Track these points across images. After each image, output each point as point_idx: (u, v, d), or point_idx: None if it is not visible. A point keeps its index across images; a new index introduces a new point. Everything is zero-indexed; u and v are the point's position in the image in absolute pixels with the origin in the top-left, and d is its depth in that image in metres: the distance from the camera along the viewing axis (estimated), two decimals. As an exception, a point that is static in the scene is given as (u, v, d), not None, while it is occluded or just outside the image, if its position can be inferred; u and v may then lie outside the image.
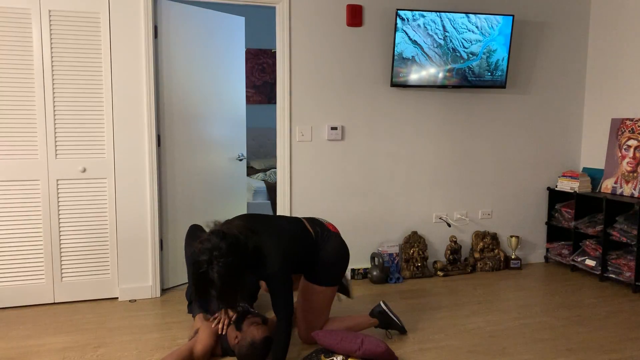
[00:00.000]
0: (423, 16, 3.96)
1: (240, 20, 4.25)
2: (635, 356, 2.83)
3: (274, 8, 3.95)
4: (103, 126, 3.55)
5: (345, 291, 3.26)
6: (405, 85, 4.05)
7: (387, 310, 3.03)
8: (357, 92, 4.08)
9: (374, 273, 4.05)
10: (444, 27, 4.02)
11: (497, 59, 4.19)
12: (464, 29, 4.06)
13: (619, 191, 4.21)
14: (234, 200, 4.41)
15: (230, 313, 2.78)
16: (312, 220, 2.89)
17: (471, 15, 4.06)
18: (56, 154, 3.47)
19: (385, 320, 3.03)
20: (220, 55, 4.21)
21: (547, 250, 4.70)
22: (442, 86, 4.13)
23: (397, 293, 3.85)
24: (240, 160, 4.40)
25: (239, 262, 2.34)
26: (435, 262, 4.31)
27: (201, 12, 4.00)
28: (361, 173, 4.15)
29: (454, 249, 4.33)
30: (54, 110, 3.44)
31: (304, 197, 4.03)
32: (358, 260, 4.22)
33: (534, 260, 4.70)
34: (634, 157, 4.15)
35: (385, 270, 4.07)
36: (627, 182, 4.16)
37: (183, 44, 3.89)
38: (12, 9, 3.31)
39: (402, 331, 3.08)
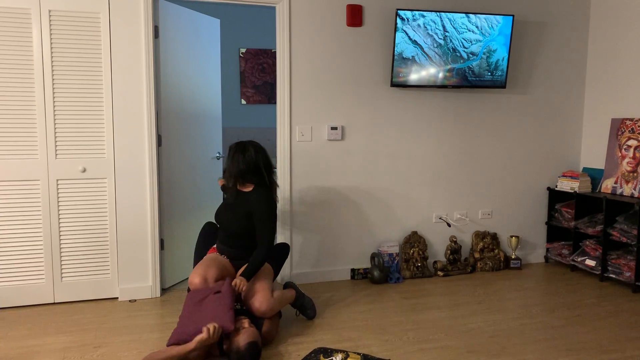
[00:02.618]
0: (423, 16, 3.96)
1: (217, 22, 4.27)
2: (635, 356, 2.83)
3: (274, 8, 3.95)
4: (103, 126, 3.55)
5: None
6: (405, 85, 4.05)
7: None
8: (357, 92, 4.08)
9: (374, 273, 4.05)
10: (444, 27, 4.02)
11: (497, 59, 4.19)
12: (464, 29, 4.06)
13: (619, 191, 4.21)
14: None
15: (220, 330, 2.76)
16: None
17: (471, 15, 4.06)
18: (56, 154, 3.47)
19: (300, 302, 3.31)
20: (211, 56, 4.23)
21: (547, 250, 4.70)
22: (442, 86, 4.13)
23: (397, 293, 3.85)
24: (218, 159, 4.41)
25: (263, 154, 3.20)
26: (435, 262, 4.31)
27: (195, 14, 4.01)
28: (361, 173, 4.15)
29: (454, 249, 4.33)
30: (54, 110, 3.44)
31: (304, 197, 4.03)
32: (358, 260, 4.22)
33: (534, 260, 4.70)
34: (634, 157, 4.15)
35: (385, 270, 4.07)
36: (627, 182, 4.16)
37: (183, 44, 3.89)
38: (12, 9, 3.31)
39: (310, 317, 3.35)
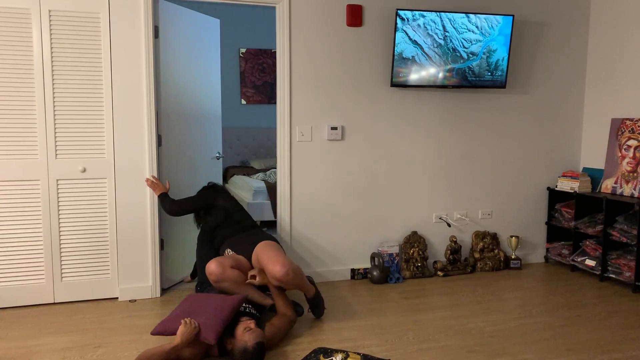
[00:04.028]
0: (423, 16, 3.96)
1: (217, 22, 4.27)
2: (635, 356, 2.83)
3: (274, 8, 3.95)
4: (103, 126, 3.55)
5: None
6: (405, 85, 4.05)
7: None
8: (357, 92, 4.08)
9: (374, 273, 4.05)
10: (444, 27, 4.02)
11: (497, 59, 4.19)
12: (464, 29, 4.06)
13: (619, 191, 4.21)
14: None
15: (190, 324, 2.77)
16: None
17: (471, 15, 4.06)
18: (56, 154, 3.47)
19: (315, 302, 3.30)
20: (211, 56, 4.23)
21: (547, 250, 4.70)
22: (442, 86, 4.13)
23: (397, 293, 3.85)
24: (218, 158, 4.41)
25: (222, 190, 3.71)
26: (435, 262, 4.31)
27: (195, 14, 4.01)
28: (361, 173, 4.15)
29: (454, 249, 4.33)
30: (54, 110, 3.44)
31: (304, 197, 4.03)
32: (358, 260, 4.22)
33: (534, 260, 4.70)
34: (634, 157, 4.15)
35: (385, 270, 4.07)
36: (627, 182, 4.16)
37: (183, 44, 3.89)
38: (12, 9, 3.31)
39: (318, 316, 3.35)
